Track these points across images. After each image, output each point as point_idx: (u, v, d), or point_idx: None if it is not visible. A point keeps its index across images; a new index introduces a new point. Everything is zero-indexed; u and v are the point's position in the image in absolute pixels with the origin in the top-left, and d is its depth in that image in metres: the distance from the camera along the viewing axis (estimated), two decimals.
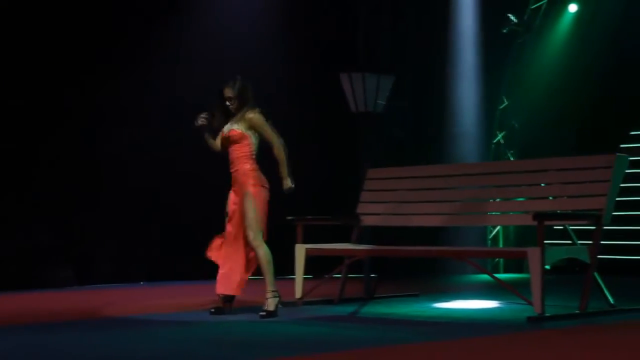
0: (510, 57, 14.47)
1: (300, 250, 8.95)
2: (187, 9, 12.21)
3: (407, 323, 7.73)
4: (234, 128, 8.06)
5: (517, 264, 13.78)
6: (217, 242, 8.18)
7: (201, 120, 8.17)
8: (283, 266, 8.63)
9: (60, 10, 11.18)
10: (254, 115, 8.03)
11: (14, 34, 10.97)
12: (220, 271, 8.11)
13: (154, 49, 11.79)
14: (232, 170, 8.10)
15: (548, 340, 6.62)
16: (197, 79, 11.46)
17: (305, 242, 8.99)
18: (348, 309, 8.60)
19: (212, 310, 8.09)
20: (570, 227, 8.54)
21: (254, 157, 8.07)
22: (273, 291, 7.96)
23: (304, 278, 8.93)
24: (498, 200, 8.97)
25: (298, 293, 8.90)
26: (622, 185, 8.22)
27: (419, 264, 12.65)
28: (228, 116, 8.14)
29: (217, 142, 8.22)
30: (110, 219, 11.67)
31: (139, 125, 11.64)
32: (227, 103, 8.11)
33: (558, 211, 8.36)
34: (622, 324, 7.48)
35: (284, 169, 8.05)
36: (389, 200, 9.45)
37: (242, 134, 8.03)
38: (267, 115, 8.10)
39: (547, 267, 7.79)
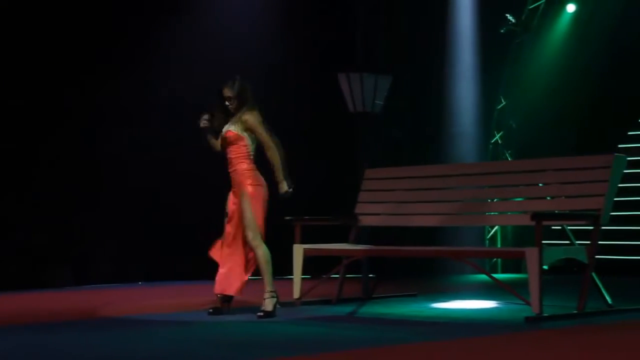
0: (508, 57, 14.48)
1: (298, 251, 8.95)
2: (187, 9, 12.21)
3: (405, 323, 7.73)
4: (230, 129, 8.06)
5: (515, 264, 13.79)
6: (220, 242, 8.19)
7: (203, 122, 8.18)
8: (281, 266, 8.63)
9: (60, 10, 11.19)
10: (249, 117, 8.03)
11: (14, 34, 10.98)
12: (220, 271, 8.11)
13: (154, 49, 11.80)
14: (230, 170, 8.11)
15: (546, 340, 6.62)
16: (197, 79, 11.45)
17: (303, 242, 8.99)
18: (346, 309, 8.60)
19: (210, 310, 8.09)
20: (568, 227, 8.54)
21: (251, 157, 8.07)
22: (271, 291, 7.96)
23: (302, 278, 8.93)
24: (496, 200, 8.97)
25: (296, 293, 8.89)
26: (620, 185, 8.22)
27: (417, 264, 12.65)
28: (228, 116, 8.14)
29: (218, 143, 8.24)
30: (110, 219, 11.68)
31: (139, 125, 11.64)
32: (227, 103, 8.11)
33: (556, 211, 8.36)
34: (620, 324, 7.48)
35: (279, 173, 8.03)
36: (387, 200, 9.45)
37: (237, 135, 8.04)
38: (264, 116, 8.10)
39: (545, 267, 7.78)
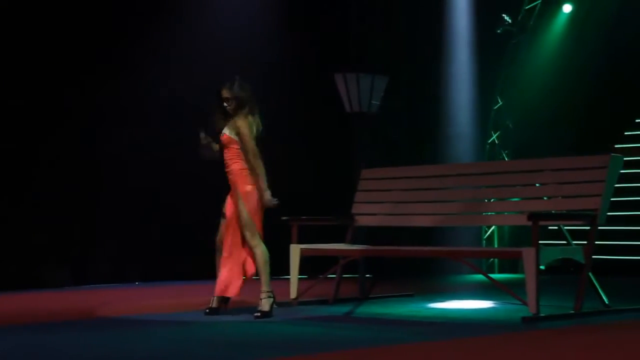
0: (504, 57, 14.48)
1: (295, 251, 8.95)
2: (186, 9, 12.22)
3: (402, 323, 7.73)
4: (225, 132, 8.07)
5: (511, 264, 13.80)
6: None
7: (203, 142, 8.15)
8: (278, 266, 8.63)
9: (60, 10, 11.19)
10: (241, 123, 8.00)
11: (14, 34, 10.97)
12: (222, 269, 8.07)
13: (154, 49, 11.80)
14: (226, 171, 8.12)
15: (543, 340, 6.62)
16: (197, 79, 11.45)
17: (300, 242, 8.98)
18: (343, 309, 8.60)
19: (207, 311, 8.08)
20: (565, 227, 8.54)
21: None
22: (268, 292, 7.96)
23: (299, 278, 8.92)
24: (493, 200, 8.97)
25: (293, 293, 8.89)
26: (617, 185, 8.22)
27: (414, 264, 12.65)
28: (227, 116, 8.13)
29: (216, 145, 8.25)
30: (110, 219, 11.67)
31: (139, 125, 11.64)
32: (225, 104, 8.10)
33: (553, 211, 8.36)
34: (617, 324, 7.48)
35: (263, 182, 7.98)
36: (384, 200, 9.45)
37: (230, 138, 8.04)
38: (263, 120, 8.08)
39: (542, 267, 7.78)
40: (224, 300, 8.15)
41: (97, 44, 11.41)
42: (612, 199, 8.16)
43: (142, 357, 5.99)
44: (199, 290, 9.67)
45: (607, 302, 8.23)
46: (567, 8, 14.47)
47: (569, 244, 8.41)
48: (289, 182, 11.57)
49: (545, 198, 8.48)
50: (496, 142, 14.60)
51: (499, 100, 14.61)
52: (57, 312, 8.65)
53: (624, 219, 13.09)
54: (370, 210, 9.47)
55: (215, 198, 8.43)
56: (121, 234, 11.80)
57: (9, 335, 6.98)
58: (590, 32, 14.17)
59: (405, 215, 9.27)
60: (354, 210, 9.51)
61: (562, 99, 14.28)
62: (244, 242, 8.03)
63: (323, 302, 9.08)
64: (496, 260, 14.12)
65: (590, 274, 8.07)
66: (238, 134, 8.02)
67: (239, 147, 8.04)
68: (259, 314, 7.85)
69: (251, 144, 7.99)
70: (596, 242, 8.09)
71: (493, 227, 14.21)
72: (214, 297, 8.13)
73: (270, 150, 8.26)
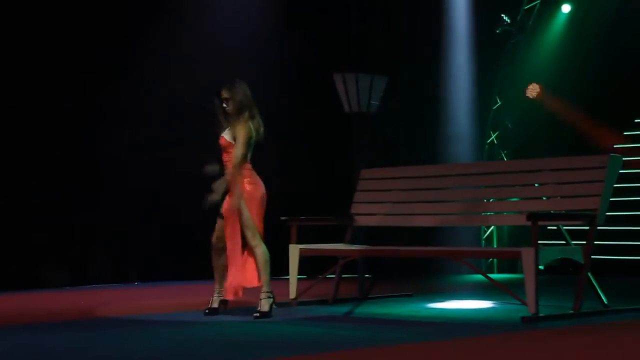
0: (503, 57, 14.49)
1: (294, 251, 8.95)
2: (186, 9, 12.22)
3: (402, 323, 7.74)
4: (223, 135, 8.06)
5: (511, 264, 13.81)
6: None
7: (209, 173, 8.12)
8: (277, 266, 8.63)
9: (60, 11, 11.20)
10: (240, 129, 7.97)
11: (14, 34, 10.98)
12: (229, 274, 8.05)
13: (154, 49, 11.80)
14: (225, 173, 8.10)
15: (542, 340, 6.63)
16: (197, 79, 11.45)
17: (299, 242, 8.99)
18: (342, 309, 8.60)
19: (207, 310, 8.09)
20: (564, 227, 8.55)
21: (247, 157, 8.05)
22: (267, 292, 7.96)
23: (298, 278, 8.93)
24: (492, 200, 8.97)
25: (292, 293, 8.89)
26: (616, 185, 8.23)
27: (413, 264, 12.65)
28: (227, 117, 8.12)
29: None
30: (110, 219, 11.67)
31: (139, 125, 11.64)
32: (224, 105, 8.10)
33: (552, 211, 8.37)
34: (616, 324, 7.49)
35: (222, 182, 7.92)
36: (383, 200, 9.45)
37: (228, 142, 8.02)
38: (263, 122, 8.07)
39: (541, 267, 7.79)
40: (223, 300, 8.15)
41: (97, 44, 11.42)
42: (611, 199, 8.17)
43: (142, 357, 6.00)
44: (199, 290, 9.66)
45: (606, 302, 8.23)
46: (566, 8, 14.48)
47: (568, 244, 8.42)
48: (288, 182, 11.62)
49: (544, 198, 8.49)
50: (495, 142, 14.61)
51: (498, 100, 14.62)
52: (57, 312, 8.65)
53: (623, 219, 13.10)
54: (370, 210, 9.48)
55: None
56: (121, 234, 11.80)
57: (9, 335, 6.99)
58: (589, 32, 14.17)
59: (404, 216, 9.27)
60: (353, 210, 9.51)
61: (561, 98, 14.27)
62: (244, 243, 8.01)
63: (322, 302, 9.08)
64: (495, 260, 14.12)
65: (589, 274, 8.07)
66: (234, 137, 8.01)
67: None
68: (258, 314, 7.85)
69: (240, 152, 7.91)
70: (595, 242, 8.09)
71: (492, 227, 14.21)
72: (213, 297, 8.13)
73: (270, 150, 8.27)
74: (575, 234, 8.71)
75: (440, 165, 11.68)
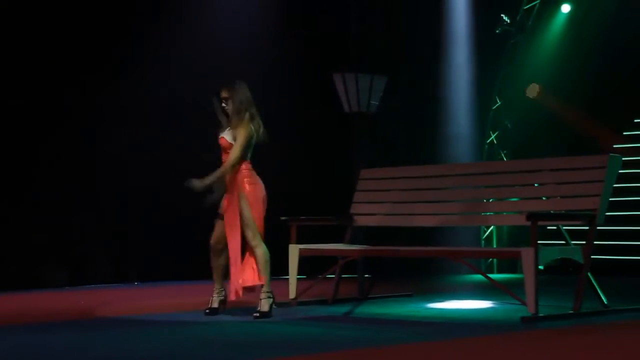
0: (503, 57, 14.49)
1: (294, 251, 8.95)
2: (186, 9, 12.22)
3: (401, 323, 7.74)
4: (223, 136, 8.06)
5: (510, 264, 13.81)
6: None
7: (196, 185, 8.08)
8: (277, 266, 8.63)
9: (60, 11, 11.20)
10: (241, 131, 7.96)
11: (14, 34, 10.98)
12: (231, 272, 8.06)
13: (154, 49, 11.80)
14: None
15: (542, 340, 6.63)
16: (197, 79, 11.46)
17: (299, 242, 8.99)
18: (342, 309, 8.60)
19: (207, 310, 8.09)
20: (564, 227, 8.55)
21: (245, 159, 8.05)
22: (267, 292, 7.96)
23: (298, 278, 8.93)
24: (492, 200, 8.98)
25: (292, 293, 8.89)
26: (615, 185, 8.23)
27: (412, 264, 12.66)
28: (227, 117, 8.11)
29: None
30: (110, 219, 11.68)
31: (139, 125, 11.65)
32: (223, 104, 8.10)
33: (552, 211, 8.37)
34: (616, 324, 7.49)
35: (212, 175, 7.89)
36: (383, 200, 9.45)
37: (227, 143, 8.02)
38: (262, 123, 8.07)
39: (541, 267, 7.79)
40: (223, 300, 8.16)
41: (97, 44, 11.42)
42: (610, 199, 8.17)
43: (142, 357, 6.00)
44: (199, 290, 9.66)
45: (605, 302, 8.24)
46: (565, 8, 14.48)
47: (567, 244, 8.42)
48: (288, 182, 11.62)
49: (544, 198, 8.49)
50: (495, 142, 14.61)
51: (498, 100, 14.62)
52: (56, 312, 8.66)
53: (623, 219, 13.10)
54: (369, 210, 9.48)
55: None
56: (121, 234, 11.80)
57: (9, 335, 6.99)
58: (589, 32, 14.18)
59: (404, 216, 9.27)
60: (352, 210, 9.51)
61: (561, 98, 14.27)
62: (245, 243, 8.01)
63: (322, 302, 9.08)
64: (495, 260, 14.12)
65: (589, 274, 8.08)
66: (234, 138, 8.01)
67: None
68: (258, 314, 7.86)
69: (238, 153, 7.92)
70: (595, 242, 8.09)
71: (492, 227, 14.21)
72: (213, 297, 8.14)
73: (270, 150, 8.27)
74: (575, 234, 8.72)
75: (440, 165, 11.68)
